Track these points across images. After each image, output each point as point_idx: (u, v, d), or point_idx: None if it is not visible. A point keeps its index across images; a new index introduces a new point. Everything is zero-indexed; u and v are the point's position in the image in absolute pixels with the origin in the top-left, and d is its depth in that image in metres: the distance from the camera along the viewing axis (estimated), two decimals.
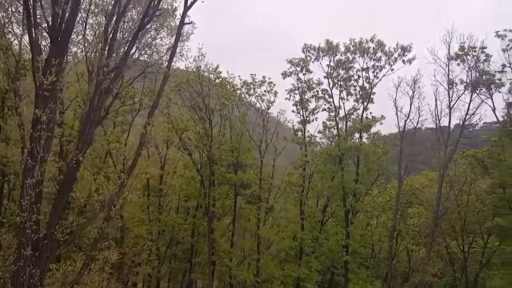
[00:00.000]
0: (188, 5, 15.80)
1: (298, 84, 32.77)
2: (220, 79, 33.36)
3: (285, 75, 33.11)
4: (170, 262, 36.71)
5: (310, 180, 30.72)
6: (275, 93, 34.01)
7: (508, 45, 26.33)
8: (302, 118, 32.33)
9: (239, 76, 34.27)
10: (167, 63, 15.63)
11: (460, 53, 27.72)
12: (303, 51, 32.63)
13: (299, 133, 32.28)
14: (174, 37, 15.67)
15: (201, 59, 30.84)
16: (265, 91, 34.13)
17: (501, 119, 26.97)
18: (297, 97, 32.73)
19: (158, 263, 33.37)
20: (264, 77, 34.23)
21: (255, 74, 34.59)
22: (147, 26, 14.26)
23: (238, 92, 34.79)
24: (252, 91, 34.43)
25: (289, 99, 33.14)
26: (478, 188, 27.61)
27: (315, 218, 30.32)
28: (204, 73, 31.85)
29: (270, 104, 33.88)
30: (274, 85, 34.21)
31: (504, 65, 26.43)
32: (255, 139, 33.39)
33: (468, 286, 26.38)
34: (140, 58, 17.98)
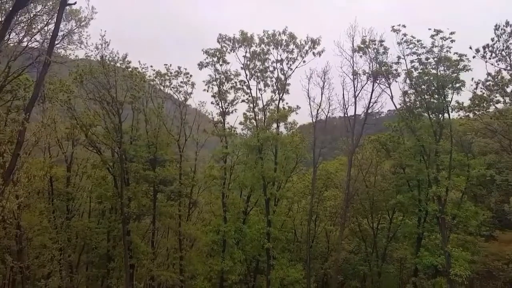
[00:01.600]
0: None
1: (215, 75, 32.24)
2: (130, 69, 31.27)
3: (201, 65, 32.22)
4: (87, 269, 33.74)
5: (232, 172, 30.62)
6: (193, 85, 33.11)
7: (402, 38, 29.22)
8: (221, 109, 31.93)
9: (151, 66, 32.39)
10: (64, 51, 13.87)
11: (362, 46, 29.85)
12: (218, 42, 32.10)
13: (219, 125, 31.85)
14: (72, 24, 13.99)
15: (104, 47, 28.52)
16: (181, 82, 32.99)
17: (398, 106, 29.94)
18: (215, 89, 32.20)
19: (71, 272, 30.38)
20: (179, 67, 33.04)
21: (170, 65, 33.20)
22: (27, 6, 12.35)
23: (152, 83, 33.04)
24: (167, 83, 33.00)
25: (207, 91, 32.45)
26: (383, 169, 30.47)
27: (239, 209, 30.40)
28: (110, 63, 29.50)
29: (188, 96, 32.89)
30: (191, 76, 33.29)
31: (399, 57, 29.24)
32: (173, 133, 32.06)
33: (378, 259, 29.09)
34: (30, 45, 15.68)
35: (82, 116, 30.47)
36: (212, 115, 32.38)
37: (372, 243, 29.59)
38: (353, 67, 30.67)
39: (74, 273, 31.38)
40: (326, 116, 31.49)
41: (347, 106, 30.41)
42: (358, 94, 30.18)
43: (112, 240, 30.81)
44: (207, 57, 32.17)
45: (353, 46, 30.66)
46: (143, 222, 32.95)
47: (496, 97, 29.92)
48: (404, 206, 28.05)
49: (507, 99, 29.55)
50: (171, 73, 32.75)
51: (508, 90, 29.22)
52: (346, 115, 30.95)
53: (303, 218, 31.46)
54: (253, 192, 30.51)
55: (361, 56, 30.63)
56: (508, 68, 28.37)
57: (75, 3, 22.77)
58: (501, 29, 28.08)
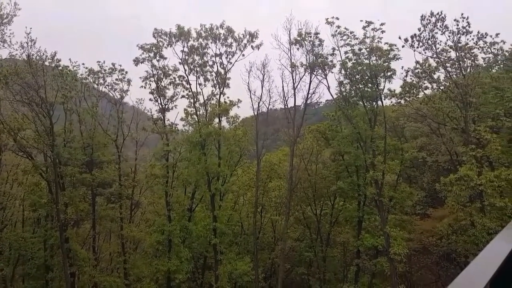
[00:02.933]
0: None
1: (153, 71, 31.28)
2: (60, 68, 29.53)
3: (137, 61, 31.12)
4: (23, 282, 31.52)
5: (175, 170, 29.94)
6: (129, 81, 31.91)
7: (336, 30, 30.06)
8: (160, 106, 31.05)
9: (83, 64, 30.78)
10: None
11: (298, 38, 30.36)
12: (154, 37, 31.19)
13: (159, 122, 30.98)
14: None
15: (31, 46, 26.67)
16: (117, 79, 31.69)
17: (335, 96, 30.84)
18: (153, 85, 31.27)
19: (5, 286, 28.28)
20: (114, 64, 31.69)
21: (103, 62, 31.73)
22: None
23: (85, 81, 31.43)
24: (101, 80, 31.53)
25: (144, 87, 31.41)
26: (323, 157, 31.31)
27: (183, 206, 29.83)
28: (38, 62, 27.72)
29: (124, 94, 31.67)
30: (127, 72, 32.08)
31: (334, 49, 30.11)
32: (110, 132, 30.73)
33: (323, 245, 29.93)
34: None
35: (9, 120, 28.30)
36: (151, 112, 31.47)
37: (316, 229, 30.39)
38: (291, 60, 31.17)
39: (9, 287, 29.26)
40: (267, 108, 31.81)
41: (287, 98, 30.94)
42: (297, 85, 30.78)
43: (49, 249, 28.98)
44: (143, 53, 31.17)
45: (290, 39, 31.13)
46: (82, 227, 31.36)
47: (424, 83, 31.81)
48: (345, 191, 29.02)
49: (434, 85, 31.57)
50: (105, 70, 31.35)
51: (435, 76, 31.21)
52: (286, 106, 31.44)
53: (249, 211, 31.60)
54: (198, 189, 30.08)
55: (298, 49, 31.19)
56: (434, 56, 30.20)
57: None
58: (427, 19, 29.78)
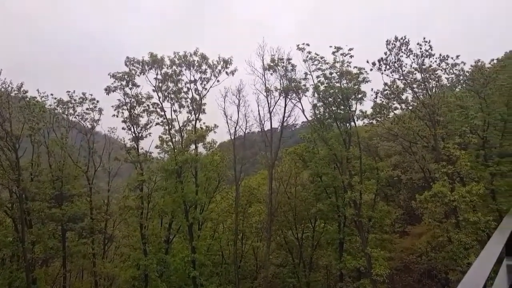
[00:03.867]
0: None
1: (125, 99, 30.69)
2: (27, 99, 28.46)
3: (109, 90, 30.51)
4: None
5: (150, 200, 28.89)
6: (100, 111, 31.09)
7: (307, 56, 30.93)
8: (134, 134, 30.27)
9: (51, 94, 29.80)
10: None
11: (272, 64, 30.96)
12: (126, 65, 30.87)
13: (133, 151, 30.09)
14: None
15: None
16: (87, 109, 30.84)
17: (310, 118, 31.33)
18: (126, 113, 30.58)
19: None
20: (84, 93, 30.90)
21: (73, 91, 30.89)
22: None
23: (55, 112, 30.34)
24: (71, 111, 30.56)
25: (117, 116, 30.67)
26: (302, 179, 31.32)
27: (160, 238, 28.62)
28: (3, 94, 26.64)
29: (95, 123, 30.76)
30: (98, 101, 31.33)
31: (306, 73, 30.87)
32: (81, 164, 29.49)
33: (305, 269, 29.39)
34: None
35: None
36: (124, 141, 30.58)
37: (299, 254, 29.91)
38: (265, 85, 31.62)
39: None
40: (244, 132, 31.77)
41: (263, 122, 31.18)
42: (273, 109, 31.10)
43: None
44: (115, 81, 30.67)
45: (263, 65, 31.71)
46: (52, 266, 29.33)
47: (394, 104, 33.01)
48: (325, 213, 28.96)
49: (403, 105, 32.78)
50: (75, 100, 30.48)
51: (403, 97, 32.50)
52: (263, 130, 31.57)
53: (230, 238, 30.75)
54: (175, 219, 29.05)
55: (271, 74, 31.76)
56: (401, 77, 31.55)
57: None
58: (392, 44, 31.35)
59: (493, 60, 33.82)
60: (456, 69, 31.55)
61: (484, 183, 27.25)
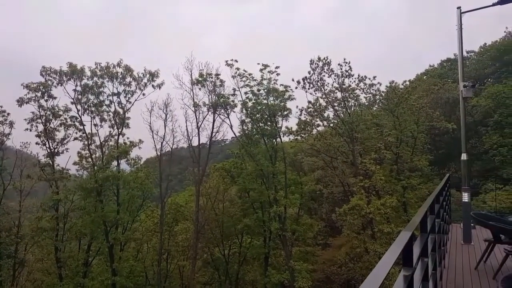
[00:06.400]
0: None
1: (40, 111, 28.54)
2: None
3: (21, 102, 28.16)
4: None
5: (66, 221, 27.04)
6: (11, 124, 28.56)
7: (236, 72, 31.30)
8: (49, 150, 28.20)
9: None
10: None
11: (200, 79, 30.85)
12: (41, 75, 28.77)
13: (47, 168, 28.00)
14: None
15: None
16: None
17: (238, 134, 31.70)
18: (41, 127, 28.43)
19: None
20: None
21: None
22: None
23: None
24: None
25: (30, 130, 28.36)
26: (230, 195, 31.50)
27: (78, 261, 26.87)
28: None
29: (5, 138, 28.15)
30: (9, 114, 28.77)
31: (235, 89, 31.22)
32: None
33: (232, 286, 29.51)
34: None
35: None
36: (38, 157, 28.33)
37: (225, 271, 29.96)
38: (193, 99, 31.34)
39: None
40: (171, 148, 31.16)
41: (191, 137, 30.81)
42: (201, 125, 30.90)
43: None
44: (28, 92, 28.40)
45: (191, 79, 31.44)
46: None
47: (317, 121, 34.75)
48: (251, 228, 29.38)
49: (325, 123, 34.59)
50: None
51: (325, 114, 34.31)
52: (191, 145, 31.22)
53: (154, 258, 29.88)
54: (94, 240, 27.52)
55: (200, 89, 31.59)
56: (324, 96, 33.29)
57: None
58: (315, 64, 32.98)
59: (405, 81, 37.09)
60: (373, 89, 34.01)
61: (396, 196, 29.60)
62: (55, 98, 28.78)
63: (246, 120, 31.61)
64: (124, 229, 28.21)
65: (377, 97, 35.32)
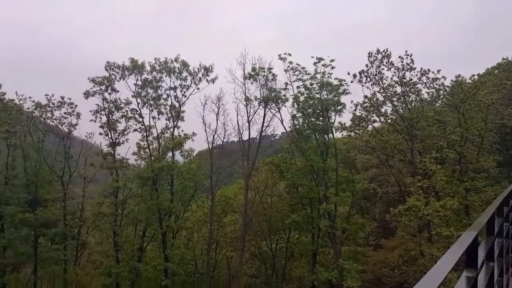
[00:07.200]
0: None
1: (104, 104, 30.57)
2: (5, 101, 28.27)
3: (87, 94, 30.38)
4: None
5: (124, 207, 28.76)
6: (78, 115, 30.93)
7: (288, 66, 30.87)
8: (111, 140, 30.16)
9: (30, 97, 29.62)
10: None
11: (252, 73, 30.87)
12: (106, 70, 30.73)
13: (109, 157, 29.95)
14: None
15: None
16: (65, 113, 30.67)
17: (289, 129, 31.35)
18: (104, 118, 30.47)
19: None
20: (63, 97, 30.72)
21: (52, 95, 30.72)
22: None
23: (32, 115, 30.15)
24: (49, 114, 30.38)
25: (95, 121, 30.54)
26: (278, 190, 31.34)
27: (133, 246, 28.49)
28: None
29: (73, 128, 30.60)
30: (76, 106, 31.16)
31: (286, 83, 30.81)
32: (57, 168, 29.32)
33: (278, 280, 29.42)
34: None
35: None
36: (101, 146, 30.42)
37: (272, 265, 29.93)
38: (245, 94, 31.48)
39: None
40: (222, 141, 31.69)
41: (241, 131, 31.03)
42: (251, 119, 30.99)
43: None
44: (94, 86, 30.52)
45: (244, 74, 31.58)
46: (22, 272, 29.09)
47: (373, 117, 33.25)
48: (299, 224, 28.99)
49: (382, 119, 32.97)
50: (53, 103, 30.30)
51: (383, 110, 32.68)
52: (241, 139, 31.47)
53: (204, 248, 30.72)
54: (149, 226, 28.96)
55: (252, 83, 31.65)
56: (382, 90, 31.72)
57: None
58: (374, 56, 31.44)
59: (473, 75, 34.13)
60: (436, 84, 31.73)
61: (458, 198, 27.43)
62: (117, 91, 30.64)
63: (297, 115, 31.13)
64: (177, 217, 29.35)
65: (441, 92, 32.93)
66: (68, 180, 29.40)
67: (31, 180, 28.21)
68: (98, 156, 30.26)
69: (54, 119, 30.14)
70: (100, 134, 30.06)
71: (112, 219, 27.89)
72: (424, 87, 31.48)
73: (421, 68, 30.71)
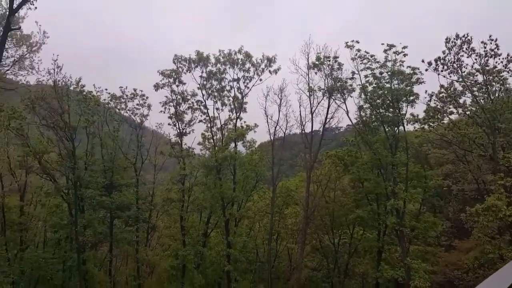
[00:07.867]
0: (14, 8, 14.82)
1: (172, 96, 31.87)
2: (84, 93, 30.68)
3: (157, 87, 31.87)
4: None
5: (190, 194, 29.97)
6: (149, 106, 32.63)
7: (356, 54, 29.47)
8: (178, 131, 31.43)
9: (106, 89, 31.82)
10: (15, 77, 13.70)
11: (317, 62, 29.97)
12: (174, 62, 31.88)
13: (177, 147, 31.28)
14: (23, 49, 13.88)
15: (57, 72, 27.96)
16: (137, 104, 32.50)
17: (355, 121, 30.07)
18: (172, 110, 31.78)
19: None
20: (135, 90, 32.57)
21: (126, 87, 32.71)
22: None
23: (107, 106, 32.42)
24: (123, 105, 32.42)
25: (164, 112, 32.01)
26: (342, 184, 30.38)
27: (198, 231, 29.68)
28: (63, 88, 28.99)
29: (144, 118, 32.38)
30: (147, 98, 32.84)
31: (353, 73, 29.42)
32: (130, 156, 31.34)
33: (340, 275, 28.75)
34: None
35: (35, 143, 29.52)
36: (169, 136, 31.85)
37: (334, 259, 29.28)
38: (308, 84, 30.69)
39: None
40: (284, 133, 31.34)
41: (304, 123, 30.34)
42: (315, 110, 30.15)
43: (68, 271, 29.57)
44: (163, 78, 31.90)
45: (308, 63, 30.75)
46: (100, 250, 31.78)
47: (449, 108, 30.49)
48: (364, 220, 27.92)
49: (460, 110, 30.17)
50: (126, 95, 32.26)
51: (461, 101, 29.87)
52: (303, 131, 30.89)
53: (265, 238, 30.98)
54: (213, 213, 29.91)
55: (316, 73, 30.74)
56: (460, 79, 29.00)
57: (20, 28, 22.36)
58: (452, 42, 28.76)
59: None
60: None
61: None
62: (184, 83, 31.71)
63: (364, 106, 29.66)
64: (239, 206, 29.90)
65: None
66: (140, 167, 31.31)
67: (108, 166, 30.48)
68: (167, 145, 31.78)
69: (128, 110, 32.16)
70: (169, 124, 31.48)
71: (180, 204, 29.23)
72: (510, 75, 28.22)
73: (507, 54, 27.44)
